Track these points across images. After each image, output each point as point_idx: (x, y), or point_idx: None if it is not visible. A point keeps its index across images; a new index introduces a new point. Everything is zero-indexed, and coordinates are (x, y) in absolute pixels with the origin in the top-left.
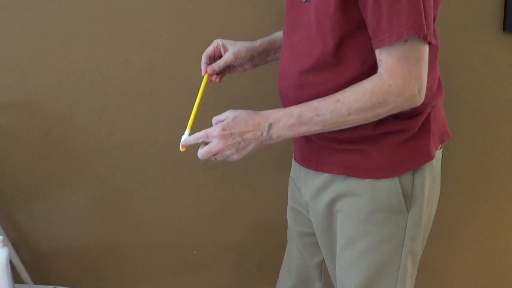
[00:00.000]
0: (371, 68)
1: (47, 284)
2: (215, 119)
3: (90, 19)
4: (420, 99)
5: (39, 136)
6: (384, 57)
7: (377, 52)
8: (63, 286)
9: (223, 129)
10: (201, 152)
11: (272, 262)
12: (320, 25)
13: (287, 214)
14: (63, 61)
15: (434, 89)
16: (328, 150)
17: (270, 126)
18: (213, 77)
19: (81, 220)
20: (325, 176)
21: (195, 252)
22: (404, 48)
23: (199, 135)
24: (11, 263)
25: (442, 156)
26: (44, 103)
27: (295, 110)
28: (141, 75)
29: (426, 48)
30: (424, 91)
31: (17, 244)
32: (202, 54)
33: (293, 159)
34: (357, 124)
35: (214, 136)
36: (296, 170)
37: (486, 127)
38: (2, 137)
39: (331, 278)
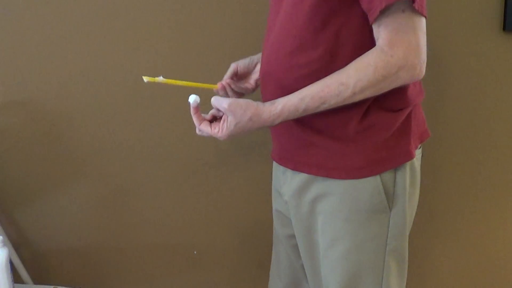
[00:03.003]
0: (364, 47)
1: (47, 284)
2: (214, 110)
3: (90, 19)
4: (421, 71)
5: (39, 136)
6: (382, 30)
7: (375, 27)
8: (63, 286)
9: (229, 135)
10: (204, 131)
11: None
12: (302, 4)
13: (273, 216)
14: (63, 61)
15: (417, 87)
16: (307, 147)
17: (273, 123)
18: (220, 85)
19: (81, 220)
20: (304, 176)
21: (195, 252)
22: (401, 19)
23: (205, 130)
24: (11, 263)
25: (423, 156)
26: (44, 103)
27: (301, 104)
28: (141, 75)
29: (423, 21)
30: (424, 64)
31: (17, 244)
32: (201, 54)
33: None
34: (360, 100)
35: (219, 136)
36: (275, 170)
37: (486, 127)
38: (2, 137)
39: (308, 279)
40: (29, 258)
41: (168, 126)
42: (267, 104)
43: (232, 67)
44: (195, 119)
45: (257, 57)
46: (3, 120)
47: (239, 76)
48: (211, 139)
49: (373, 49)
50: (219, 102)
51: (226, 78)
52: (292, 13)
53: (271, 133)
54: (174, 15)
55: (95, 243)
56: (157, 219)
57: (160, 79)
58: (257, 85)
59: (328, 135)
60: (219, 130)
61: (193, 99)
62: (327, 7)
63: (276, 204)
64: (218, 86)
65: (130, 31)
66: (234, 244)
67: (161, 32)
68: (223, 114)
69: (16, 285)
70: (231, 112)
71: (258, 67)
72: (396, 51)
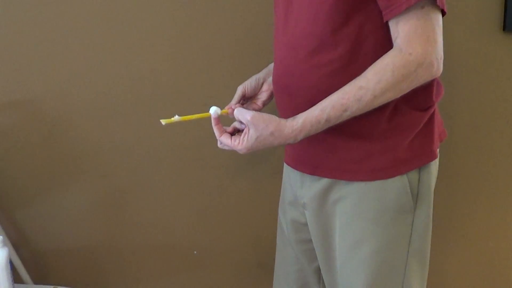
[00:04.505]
0: (386, 43)
1: (47, 284)
2: (237, 123)
3: (90, 19)
4: (438, 68)
5: (39, 136)
6: (401, 27)
7: (392, 25)
8: (63, 286)
9: (249, 149)
10: (225, 143)
11: (272, 262)
12: (323, 2)
13: (282, 223)
14: (63, 61)
15: (438, 85)
16: (329, 151)
17: (296, 139)
18: (230, 111)
19: (81, 220)
20: (326, 180)
21: (195, 252)
22: (420, 14)
23: (225, 142)
24: (11, 263)
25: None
26: (44, 103)
27: (323, 115)
28: (141, 75)
29: (440, 16)
30: (441, 60)
31: (17, 244)
32: (202, 54)
33: (284, 164)
34: (382, 104)
35: (239, 149)
36: (288, 176)
37: (486, 127)
38: (2, 137)
39: (324, 281)
40: (29, 258)
41: (168, 126)
42: (289, 119)
43: (240, 90)
44: (216, 131)
45: (263, 75)
46: (3, 120)
47: (246, 98)
48: (211, 139)
49: (391, 50)
50: (242, 114)
51: (234, 103)
52: (311, 12)
53: None
54: (174, 15)
55: (95, 243)
56: (157, 219)
57: (176, 118)
58: (264, 105)
59: (355, 136)
60: (239, 142)
61: (213, 110)
62: (347, 3)
63: (289, 214)
64: (228, 111)
65: (130, 31)
66: (234, 244)
67: (161, 32)
68: (245, 127)
69: (16, 285)
70: (253, 125)
71: (265, 87)
72: (414, 48)
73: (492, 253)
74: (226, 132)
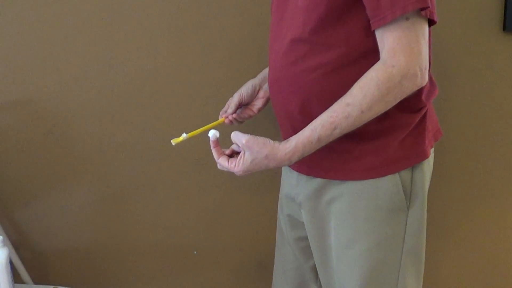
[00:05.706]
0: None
1: (47, 284)
2: (235, 146)
3: (90, 19)
4: (423, 78)
5: (39, 136)
6: (386, 38)
7: (378, 35)
8: (63, 286)
9: (244, 171)
10: (222, 165)
11: (272, 262)
12: (315, 8)
13: (281, 219)
14: (63, 61)
15: (428, 87)
16: (323, 152)
17: (291, 161)
18: (227, 120)
19: (81, 220)
20: (320, 180)
21: (195, 252)
22: (405, 26)
23: (222, 164)
24: (11, 263)
25: (435, 155)
26: (44, 103)
27: (314, 135)
28: (141, 75)
29: (426, 26)
30: (426, 70)
31: (17, 244)
32: (202, 54)
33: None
34: (371, 119)
35: (236, 171)
36: (286, 174)
37: (486, 127)
38: (2, 137)
39: (320, 280)
40: (29, 258)
41: (168, 126)
42: (283, 142)
43: (236, 98)
44: (214, 153)
45: (259, 81)
46: (3, 120)
47: (242, 105)
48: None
49: (376, 63)
50: (238, 137)
51: (231, 112)
52: (302, 18)
53: (282, 136)
54: (174, 15)
55: (95, 243)
56: (157, 219)
57: (184, 136)
58: (258, 111)
59: (347, 137)
60: (235, 165)
61: (212, 133)
62: (338, 9)
63: (286, 209)
64: (225, 121)
65: (130, 31)
66: (234, 244)
67: (161, 32)
68: (242, 150)
69: (16, 285)
70: (248, 148)
71: (261, 93)
72: (397, 60)
73: (489, 253)
74: (224, 154)
